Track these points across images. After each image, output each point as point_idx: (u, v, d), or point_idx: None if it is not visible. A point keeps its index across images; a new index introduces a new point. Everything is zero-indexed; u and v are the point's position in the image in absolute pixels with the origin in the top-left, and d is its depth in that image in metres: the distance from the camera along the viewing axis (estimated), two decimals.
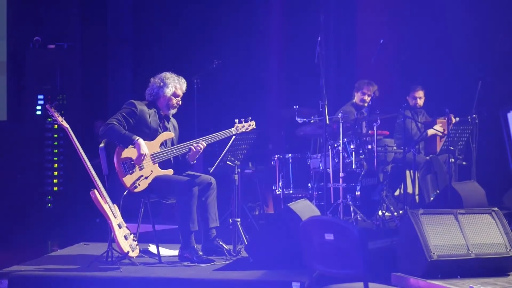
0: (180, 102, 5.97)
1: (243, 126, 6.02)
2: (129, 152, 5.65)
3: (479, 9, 9.00)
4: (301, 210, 5.50)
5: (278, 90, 9.78)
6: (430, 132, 7.99)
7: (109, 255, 5.53)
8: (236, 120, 6.02)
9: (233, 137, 5.94)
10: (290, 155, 7.76)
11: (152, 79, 5.97)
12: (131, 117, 5.74)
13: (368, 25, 9.44)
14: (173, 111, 5.96)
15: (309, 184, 7.57)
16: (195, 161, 5.92)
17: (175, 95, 5.91)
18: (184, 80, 6.00)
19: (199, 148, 5.78)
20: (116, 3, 9.92)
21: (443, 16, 9.17)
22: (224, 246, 5.82)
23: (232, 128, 5.97)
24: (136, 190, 5.65)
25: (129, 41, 9.96)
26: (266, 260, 5.47)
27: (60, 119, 5.56)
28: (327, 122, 6.93)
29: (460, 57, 9.10)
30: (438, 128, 7.91)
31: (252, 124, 6.07)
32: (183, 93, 5.98)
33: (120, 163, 5.61)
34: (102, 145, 5.70)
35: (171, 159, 5.85)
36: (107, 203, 5.43)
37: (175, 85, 5.90)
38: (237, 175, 5.96)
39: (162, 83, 5.89)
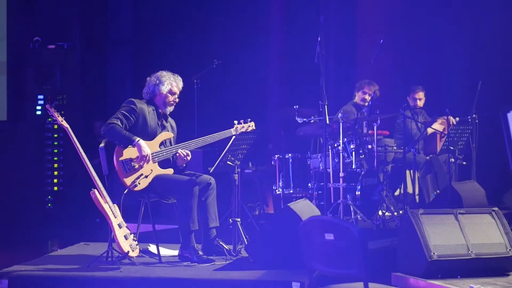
0: (177, 100, 5.97)
1: (243, 127, 6.02)
2: (129, 151, 5.65)
3: (479, 9, 8.99)
4: (301, 210, 5.50)
5: (278, 90, 9.78)
6: (430, 130, 7.98)
7: (109, 255, 5.53)
8: (236, 121, 6.03)
9: (233, 137, 5.94)
10: (290, 155, 7.76)
11: (148, 78, 5.99)
12: (132, 115, 5.74)
13: (368, 25, 9.44)
14: (170, 109, 5.96)
15: (309, 184, 7.57)
16: (184, 165, 5.90)
17: (171, 92, 5.92)
18: (180, 78, 6.01)
19: (183, 156, 5.77)
20: (116, 3, 9.92)
21: (443, 16, 9.17)
22: (224, 246, 5.82)
23: (231, 129, 5.98)
24: (136, 188, 5.64)
25: (129, 41, 9.96)
26: (266, 260, 5.47)
27: (60, 119, 5.56)
28: (327, 122, 6.93)
29: (460, 57, 9.09)
30: (437, 126, 7.89)
31: (251, 125, 6.07)
32: (180, 91, 5.99)
33: (120, 163, 5.61)
34: (102, 145, 5.70)
35: (171, 158, 5.86)
36: (107, 203, 5.43)
37: (170, 82, 5.92)
38: (237, 175, 5.96)
39: (157, 81, 5.91)
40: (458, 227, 5.30)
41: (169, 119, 6.04)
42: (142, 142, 5.64)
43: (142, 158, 5.62)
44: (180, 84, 6.00)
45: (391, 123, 8.37)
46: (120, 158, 5.62)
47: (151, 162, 5.70)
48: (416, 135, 8.06)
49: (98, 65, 9.67)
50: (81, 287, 5.15)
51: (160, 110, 5.92)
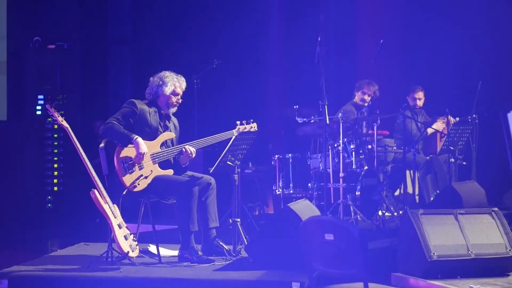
0: (180, 101, 5.96)
1: (245, 127, 6.02)
2: (129, 152, 5.64)
3: (479, 9, 9.00)
4: (301, 210, 5.50)
5: (278, 90, 9.78)
6: (430, 131, 7.98)
7: (109, 255, 5.52)
8: (238, 122, 6.02)
9: (233, 136, 5.94)
10: (290, 155, 7.75)
11: (151, 78, 5.98)
12: (131, 116, 5.73)
13: (368, 25, 9.44)
14: (173, 110, 5.96)
15: (309, 184, 7.57)
16: (187, 163, 5.90)
17: (174, 93, 5.91)
18: (183, 78, 6.00)
19: (189, 152, 5.77)
20: (116, 3, 9.92)
21: (442, 16, 9.17)
22: (224, 246, 5.82)
23: (233, 130, 5.97)
24: (135, 189, 5.64)
25: (129, 41, 9.96)
26: (266, 260, 5.47)
27: (60, 119, 5.56)
28: (327, 122, 6.93)
29: (460, 57, 9.10)
30: (437, 126, 7.88)
31: (254, 126, 6.06)
32: (183, 92, 5.98)
33: (120, 163, 5.61)
34: (102, 145, 5.70)
35: (171, 159, 5.85)
36: (107, 203, 5.43)
37: (174, 83, 5.91)
38: (237, 175, 5.96)
39: (161, 82, 5.89)
40: (458, 227, 5.30)
41: (172, 118, 6.02)
42: (140, 140, 5.63)
43: (138, 156, 5.61)
44: (184, 85, 5.99)
45: (391, 123, 8.37)
46: (120, 158, 5.61)
47: (151, 163, 5.70)
48: (416, 135, 8.06)
49: (98, 65, 9.67)
50: (81, 287, 5.15)
51: (162, 111, 5.92)
